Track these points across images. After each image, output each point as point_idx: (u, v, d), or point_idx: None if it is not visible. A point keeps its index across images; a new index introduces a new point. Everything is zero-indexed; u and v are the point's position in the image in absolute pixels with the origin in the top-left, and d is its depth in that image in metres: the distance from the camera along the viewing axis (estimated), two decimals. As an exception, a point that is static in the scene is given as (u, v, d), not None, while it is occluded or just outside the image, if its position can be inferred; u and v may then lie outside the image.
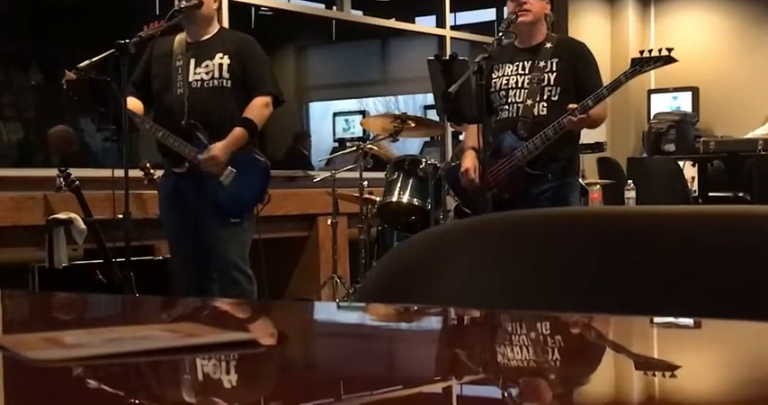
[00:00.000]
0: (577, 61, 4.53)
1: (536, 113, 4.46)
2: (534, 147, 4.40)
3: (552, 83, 4.47)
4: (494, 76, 4.56)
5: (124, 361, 0.82)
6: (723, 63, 9.99)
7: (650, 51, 4.38)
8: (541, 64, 4.49)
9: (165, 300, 2.17)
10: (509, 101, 4.53)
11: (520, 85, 4.52)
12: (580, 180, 5.27)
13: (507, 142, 4.49)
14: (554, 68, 4.48)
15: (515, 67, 4.55)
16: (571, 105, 4.30)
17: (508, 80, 4.54)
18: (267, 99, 4.44)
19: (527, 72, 4.51)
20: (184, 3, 4.35)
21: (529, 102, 4.47)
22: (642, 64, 4.37)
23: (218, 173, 4.34)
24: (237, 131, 4.35)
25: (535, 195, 4.42)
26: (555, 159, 4.46)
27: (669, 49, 4.34)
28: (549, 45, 4.53)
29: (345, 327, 1.19)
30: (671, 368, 0.85)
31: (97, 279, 4.78)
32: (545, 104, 4.46)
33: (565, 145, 4.45)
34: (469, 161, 4.56)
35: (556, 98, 4.45)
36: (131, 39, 4.10)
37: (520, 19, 4.49)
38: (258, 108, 4.41)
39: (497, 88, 4.55)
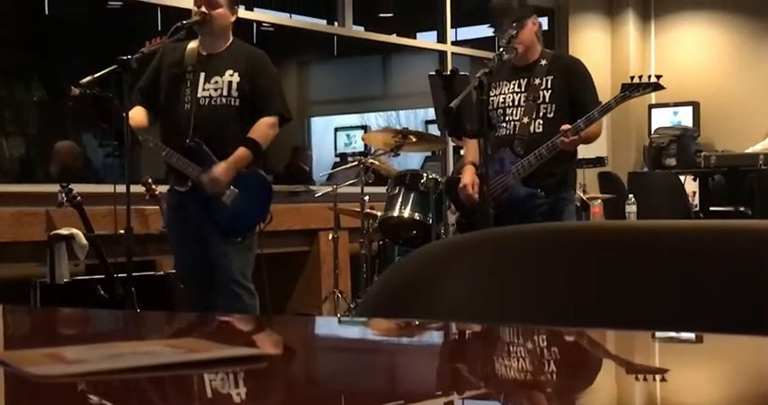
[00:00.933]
0: (571, 77, 4.58)
1: (532, 131, 4.52)
2: (529, 164, 4.47)
3: (548, 100, 4.53)
4: (492, 94, 4.61)
5: (125, 377, 0.82)
6: (723, 78, 10.00)
7: (640, 78, 4.46)
8: (537, 81, 4.54)
9: (167, 315, 2.17)
10: (506, 119, 4.59)
11: (516, 103, 4.58)
12: (580, 194, 5.29)
13: (504, 159, 4.55)
14: (549, 86, 4.54)
15: (512, 86, 4.61)
16: (563, 126, 4.36)
17: (505, 98, 4.60)
18: (273, 120, 4.43)
19: (523, 90, 4.58)
20: (200, 14, 4.33)
21: (525, 119, 4.53)
22: (632, 90, 4.44)
23: (219, 193, 4.33)
24: (241, 152, 4.34)
25: (530, 210, 4.46)
26: (550, 174, 4.50)
27: (658, 76, 4.43)
28: (544, 62, 4.59)
29: (347, 341, 1.19)
30: (672, 383, 0.85)
31: (99, 294, 4.78)
32: (541, 122, 4.52)
33: (560, 161, 4.50)
34: (468, 177, 4.61)
35: (551, 115, 4.51)
36: (134, 54, 4.10)
37: (511, 52, 4.53)
38: (263, 128, 4.40)
39: (495, 106, 4.61)
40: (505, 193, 4.54)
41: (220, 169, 4.30)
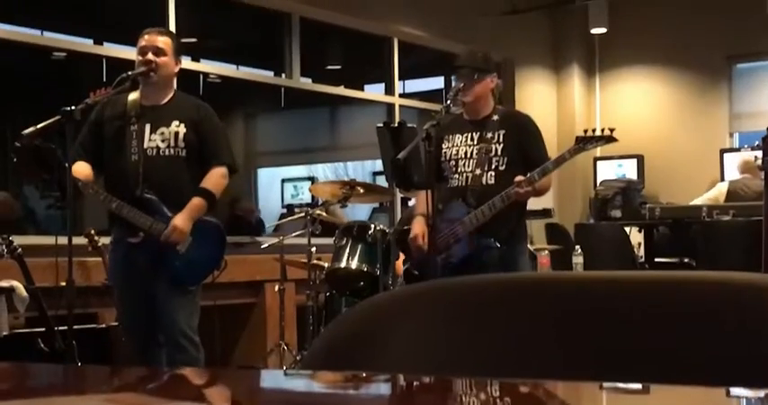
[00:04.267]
0: (522, 133, 4.68)
1: (484, 182, 4.59)
2: (482, 214, 4.52)
3: (499, 153, 4.62)
4: (444, 146, 4.69)
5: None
6: (666, 131, 10.18)
7: (594, 131, 4.55)
8: (489, 135, 4.62)
9: (108, 369, 2.13)
10: (459, 170, 4.66)
11: (469, 155, 4.65)
12: (529, 246, 5.34)
13: (456, 210, 4.58)
14: (501, 140, 4.63)
15: (464, 138, 4.68)
16: (518, 178, 4.43)
17: (458, 150, 4.67)
18: (224, 170, 4.42)
19: (475, 143, 4.66)
20: (146, 62, 4.31)
21: (477, 171, 4.60)
22: (585, 142, 4.52)
23: (180, 243, 4.28)
24: (196, 201, 4.31)
25: (484, 261, 4.50)
26: (503, 225, 4.54)
27: (611, 129, 4.51)
28: (495, 118, 4.68)
29: (292, 395, 1.17)
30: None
31: (39, 348, 4.69)
32: (493, 174, 4.60)
33: (511, 211, 4.55)
34: (418, 227, 4.63)
35: (503, 168, 4.59)
36: (77, 105, 4.06)
37: (462, 100, 4.64)
38: (216, 178, 4.38)
39: (447, 158, 4.68)
40: (458, 243, 4.56)
41: (180, 218, 4.26)
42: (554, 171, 4.52)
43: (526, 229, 4.89)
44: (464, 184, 4.62)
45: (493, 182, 4.57)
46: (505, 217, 4.53)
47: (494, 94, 4.75)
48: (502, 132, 4.62)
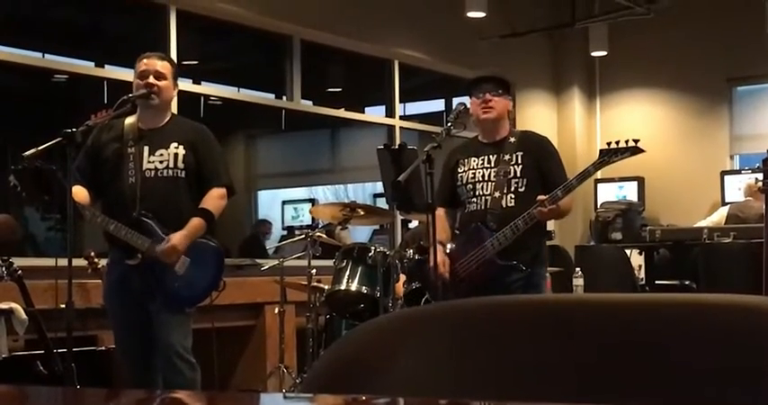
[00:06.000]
0: (541, 154, 4.62)
1: (504, 205, 4.52)
2: (504, 238, 4.44)
3: (519, 175, 4.55)
4: (460, 170, 4.65)
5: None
6: (667, 153, 10.19)
7: (617, 143, 4.38)
8: (507, 157, 4.57)
9: (107, 392, 2.11)
10: (477, 194, 4.59)
11: (486, 178, 4.59)
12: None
13: (477, 234, 4.52)
14: (519, 161, 4.56)
15: (481, 161, 4.63)
16: (540, 196, 4.33)
17: (475, 174, 4.62)
18: (223, 191, 4.43)
19: (493, 165, 4.59)
20: (148, 85, 4.32)
21: (497, 194, 4.53)
22: (610, 155, 4.39)
23: (175, 263, 4.27)
24: (196, 221, 4.31)
25: (506, 285, 4.43)
26: (524, 249, 4.49)
27: (636, 140, 4.33)
28: (512, 139, 4.63)
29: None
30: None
31: (38, 371, 4.67)
32: (513, 196, 4.52)
33: (533, 235, 4.49)
34: (439, 256, 4.50)
35: (523, 189, 4.52)
36: (78, 127, 4.06)
37: (483, 116, 4.61)
38: (215, 199, 4.39)
39: (464, 182, 4.63)
40: (481, 268, 4.51)
41: (178, 237, 4.26)
42: (577, 188, 4.38)
43: (547, 252, 4.80)
44: (483, 207, 4.55)
45: (513, 204, 4.49)
46: (528, 240, 4.47)
47: (509, 118, 4.73)
48: (520, 154, 4.56)
